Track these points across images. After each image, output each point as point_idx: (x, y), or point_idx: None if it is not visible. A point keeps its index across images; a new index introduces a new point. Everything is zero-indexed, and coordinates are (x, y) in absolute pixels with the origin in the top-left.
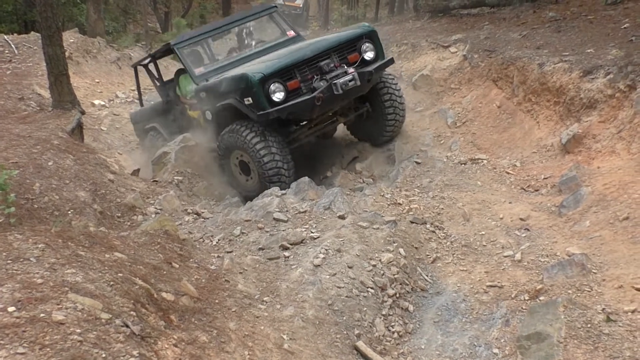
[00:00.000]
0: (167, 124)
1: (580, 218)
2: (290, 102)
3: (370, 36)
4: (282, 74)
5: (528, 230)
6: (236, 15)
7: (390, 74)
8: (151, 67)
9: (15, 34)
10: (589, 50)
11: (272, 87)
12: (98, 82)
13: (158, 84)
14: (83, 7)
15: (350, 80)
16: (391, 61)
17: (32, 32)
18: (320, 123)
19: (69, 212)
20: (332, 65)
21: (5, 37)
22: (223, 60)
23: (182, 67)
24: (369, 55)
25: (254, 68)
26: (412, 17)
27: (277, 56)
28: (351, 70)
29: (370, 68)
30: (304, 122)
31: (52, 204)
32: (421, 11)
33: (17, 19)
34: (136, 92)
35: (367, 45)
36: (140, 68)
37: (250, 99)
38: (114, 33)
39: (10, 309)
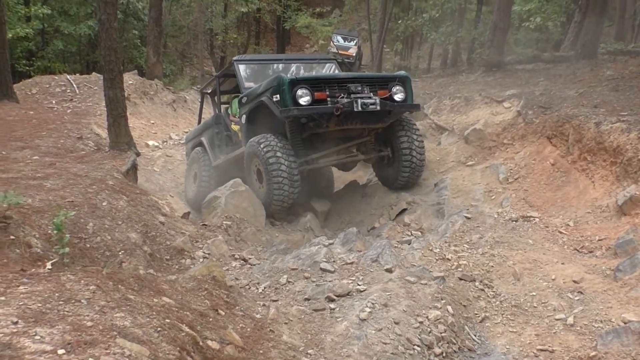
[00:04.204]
0: (211, 138)
1: (637, 283)
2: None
3: (403, 81)
4: (312, 83)
5: (581, 293)
6: (299, 54)
7: (414, 122)
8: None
9: (77, 74)
10: None
11: (300, 91)
12: (153, 124)
13: (215, 103)
14: (143, 50)
15: (372, 103)
16: (417, 107)
17: (94, 73)
18: (340, 153)
19: (120, 253)
20: (359, 89)
21: (68, 76)
22: None
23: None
24: (398, 96)
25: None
26: (466, 70)
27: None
28: (376, 97)
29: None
30: (326, 150)
31: (104, 244)
32: (475, 65)
33: (80, 60)
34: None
35: (398, 88)
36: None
37: (278, 96)
38: (171, 75)
39: (60, 351)
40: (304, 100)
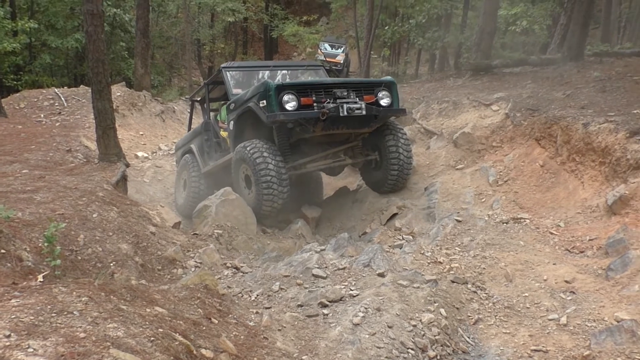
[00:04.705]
0: (200, 144)
1: (628, 282)
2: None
3: (389, 86)
4: (298, 89)
5: (574, 293)
6: (287, 62)
7: (399, 125)
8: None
9: (65, 87)
10: (635, 111)
11: (286, 97)
12: (142, 135)
13: (205, 110)
14: (131, 62)
15: (357, 108)
16: (402, 111)
17: (82, 86)
18: (328, 158)
19: (111, 265)
20: (345, 93)
21: (56, 90)
22: None
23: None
24: (384, 101)
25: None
26: (453, 75)
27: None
28: (362, 102)
29: (380, 108)
30: (313, 155)
31: (95, 255)
32: (462, 69)
33: (68, 73)
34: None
35: (384, 93)
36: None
37: (265, 102)
38: (159, 86)
39: None
40: (290, 105)
